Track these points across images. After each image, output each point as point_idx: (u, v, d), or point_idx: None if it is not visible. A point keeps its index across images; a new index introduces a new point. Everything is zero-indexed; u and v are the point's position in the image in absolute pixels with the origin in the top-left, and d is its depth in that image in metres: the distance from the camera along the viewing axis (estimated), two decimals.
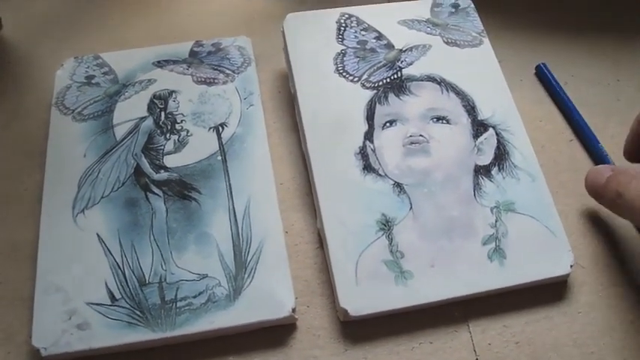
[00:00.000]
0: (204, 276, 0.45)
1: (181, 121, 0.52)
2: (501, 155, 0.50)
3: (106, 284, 0.44)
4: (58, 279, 0.45)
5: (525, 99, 0.57)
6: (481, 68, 0.54)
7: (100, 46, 0.58)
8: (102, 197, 0.48)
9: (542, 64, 0.59)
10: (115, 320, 0.43)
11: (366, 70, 0.53)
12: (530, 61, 0.60)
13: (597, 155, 0.53)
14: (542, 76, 0.58)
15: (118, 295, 0.44)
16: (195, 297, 0.44)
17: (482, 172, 0.49)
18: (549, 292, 0.47)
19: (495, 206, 0.48)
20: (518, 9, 0.64)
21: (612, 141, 0.55)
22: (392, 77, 0.53)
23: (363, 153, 0.49)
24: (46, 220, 0.47)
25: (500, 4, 0.64)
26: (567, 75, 0.59)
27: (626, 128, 0.51)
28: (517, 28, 0.62)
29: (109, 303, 0.44)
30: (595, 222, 0.51)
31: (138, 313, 0.43)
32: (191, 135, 0.51)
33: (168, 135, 0.51)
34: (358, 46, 0.54)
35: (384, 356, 0.44)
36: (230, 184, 0.48)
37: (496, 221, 0.47)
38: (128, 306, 0.44)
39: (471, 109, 0.52)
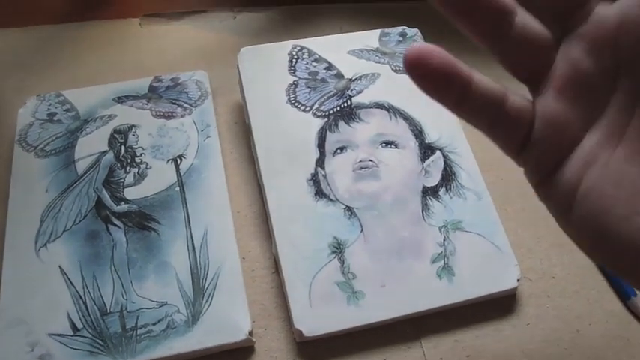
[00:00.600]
0: (164, 303, 0.46)
1: (141, 154, 0.54)
2: (448, 176, 0.52)
3: (68, 315, 0.46)
4: (21, 311, 0.46)
5: None
6: None
7: (63, 84, 0.60)
8: (64, 230, 0.50)
9: None
10: (76, 350, 0.44)
11: (317, 100, 0.55)
12: None
13: None
14: None
15: (79, 325, 0.45)
16: (155, 324, 0.45)
17: (430, 193, 0.51)
18: (498, 306, 0.49)
19: (443, 225, 0.50)
20: (462, 36, 0.66)
21: None
22: (342, 105, 0.55)
23: (314, 179, 0.51)
24: (9, 255, 0.48)
25: (444, 31, 0.66)
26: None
27: None
28: (462, 55, 0.64)
29: (71, 333, 0.45)
30: (541, 237, 0.53)
31: (99, 341, 0.45)
32: (150, 168, 0.53)
33: (128, 168, 0.53)
34: (309, 77, 0.57)
35: None
36: (188, 214, 0.50)
37: (444, 240, 0.49)
38: (90, 335, 0.45)
39: (418, 133, 0.54)
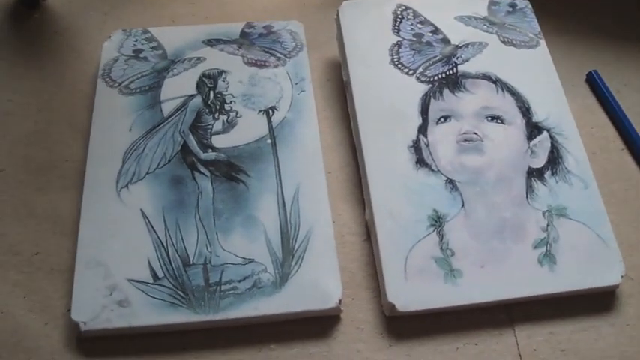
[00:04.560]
0: (251, 260, 0.44)
1: (230, 101, 0.51)
2: (555, 159, 0.49)
3: (148, 262, 0.43)
4: (99, 253, 0.44)
5: (576, 105, 0.56)
6: (537, 70, 0.53)
7: (147, 21, 0.57)
8: (147, 173, 0.47)
9: (594, 70, 0.58)
10: (156, 299, 0.42)
11: (422, 64, 0.52)
12: (583, 66, 0.59)
13: None
14: (593, 82, 0.57)
15: (160, 274, 0.43)
16: (240, 281, 0.43)
17: (535, 174, 0.48)
18: (597, 302, 0.46)
19: (547, 210, 0.47)
20: (573, 13, 0.63)
21: None
22: (447, 72, 0.52)
23: (416, 147, 0.48)
24: (89, 193, 0.46)
25: (555, 7, 0.63)
26: (620, 84, 0.58)
27: None
28: (571, 33, 0.61)
29: (151, 281, 0.43)
30: None
31: (181, 293, 0.42)
32: (240, 116, 0.50)
33: (216, 115, 0.50)
34: (414, 39, 0.53)
35: (428, 354, 0.43)
36: (279, 169, 0.47)
37: (548, 225, 0.46)
38: (171, 286, 0.43)
39: (525, 110, 0.51)
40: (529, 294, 0.44)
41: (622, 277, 0.45)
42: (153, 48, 0.54)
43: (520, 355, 0.44)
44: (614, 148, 0.54)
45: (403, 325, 0.44)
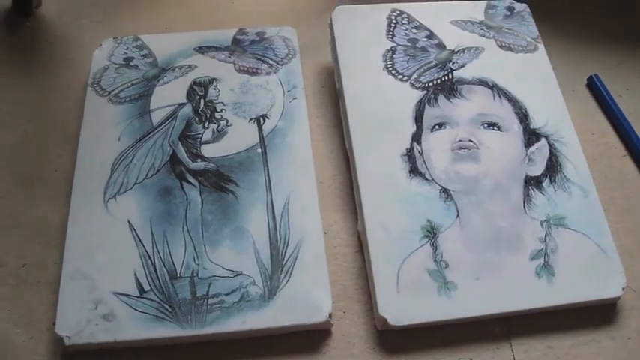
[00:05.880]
0: (239, 273, 0.43)
1: (221, 110, 0.50)
2: (553, 167, 0.48)
3: (135, 274, 0.43)
4: (86, 265, 0.43)
5: (576, 110, 0.54)
6: (535, 75, 0.52)
7: (140, 29, 0.56)
8: (135, 183, 0.46)
9: (595, 75, 0.56)
10: (142, 313, 0.41)
11: (416, 70, 0.51)
12: (583, 71, 0.57)
13: None
14: (594, 87, 0.56)
15: (147, 287, 0.42)
16: (227, 294, 0.42)
17: (532, 183, 0.47)
18: (597, 315, 0.45)
19: (545, 220, 0.45)
20: (572, 17, 0.61)
21: None
22: (443, 78, 0.51)
23: (409, 155, 0.47)
24: (76, 204, 0.45)
25: (553, 10, 0.61)
26: (622, 88, 0.57)
27: None
28: (571, 37, 0.60)
29: (137, 294, 0.42)
30: None
31: (167, 307, 0.41)
32: (231, 125, 0.49)
33: (206, 123, 0.49)
34: (409, 44, 0.52)
35: None
36: (269, 179, 0.46)
37: (546, 236, 0.45)
38: (157, 299, 0.42)
39: (523, 116, 0.49)
40: (526, 307, 0.43)
41: (623, 289, 0.44)
42: (144, 56, 0.53)
43: None
44: (616, 154, 0.53)
45: (396, 340, 0.43)
